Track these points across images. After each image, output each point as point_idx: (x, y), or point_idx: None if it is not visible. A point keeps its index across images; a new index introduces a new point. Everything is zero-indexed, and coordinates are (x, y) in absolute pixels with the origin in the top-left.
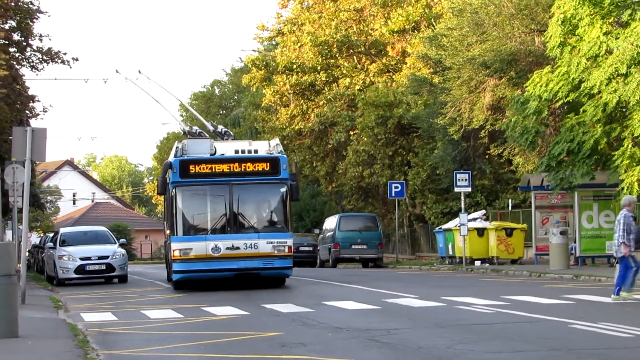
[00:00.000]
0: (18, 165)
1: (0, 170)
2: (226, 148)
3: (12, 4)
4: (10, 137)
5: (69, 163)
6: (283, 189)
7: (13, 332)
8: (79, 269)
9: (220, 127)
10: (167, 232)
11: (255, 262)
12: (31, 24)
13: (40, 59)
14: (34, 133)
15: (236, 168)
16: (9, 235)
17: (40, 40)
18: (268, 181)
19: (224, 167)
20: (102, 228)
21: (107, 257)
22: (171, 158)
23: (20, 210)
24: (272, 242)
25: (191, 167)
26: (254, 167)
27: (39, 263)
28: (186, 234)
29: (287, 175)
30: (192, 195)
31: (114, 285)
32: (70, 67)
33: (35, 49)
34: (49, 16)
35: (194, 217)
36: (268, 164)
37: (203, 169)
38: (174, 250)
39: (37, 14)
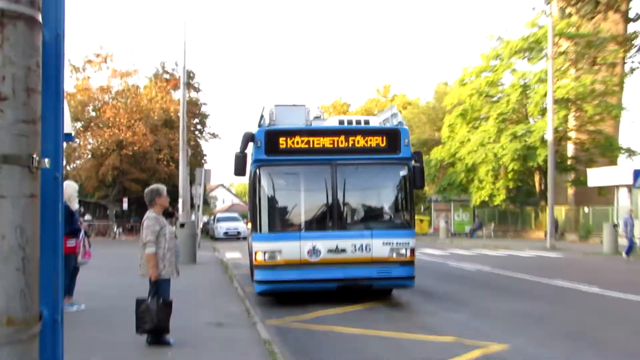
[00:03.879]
0: (197, 185)
1: (189, 187)
2: (328, 120)
3: (197, 111)
4: (194, 172)
5: (222, 185)
6: (404, 172)
7: (194, 261)
8: (225, 233)
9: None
10: (249, 225)
11: (366, 270)
12: (205, 119)
13: (210, 136)
14: (205, 171)
15: (342, 143)
16: (193, 217)
17: (209, 127)
18: (384, 161)
19: (326, 142)
20: (236, 214)
21: (238, 228)
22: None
23: (198, 206)
24: (389, 243)
25: (281, 140)
26: (366, 141)
27: (207, 230)
28: (273, 230)
29: (409, 154)
30: (282, 179)
31: (241, 241)
32: (220, 139)
33: (207, 132)
34: (211, 112)
35: (284, 208)
36: (384, 137)
37: (297, 143)
38: (256, 253)
39: (208, 114)
